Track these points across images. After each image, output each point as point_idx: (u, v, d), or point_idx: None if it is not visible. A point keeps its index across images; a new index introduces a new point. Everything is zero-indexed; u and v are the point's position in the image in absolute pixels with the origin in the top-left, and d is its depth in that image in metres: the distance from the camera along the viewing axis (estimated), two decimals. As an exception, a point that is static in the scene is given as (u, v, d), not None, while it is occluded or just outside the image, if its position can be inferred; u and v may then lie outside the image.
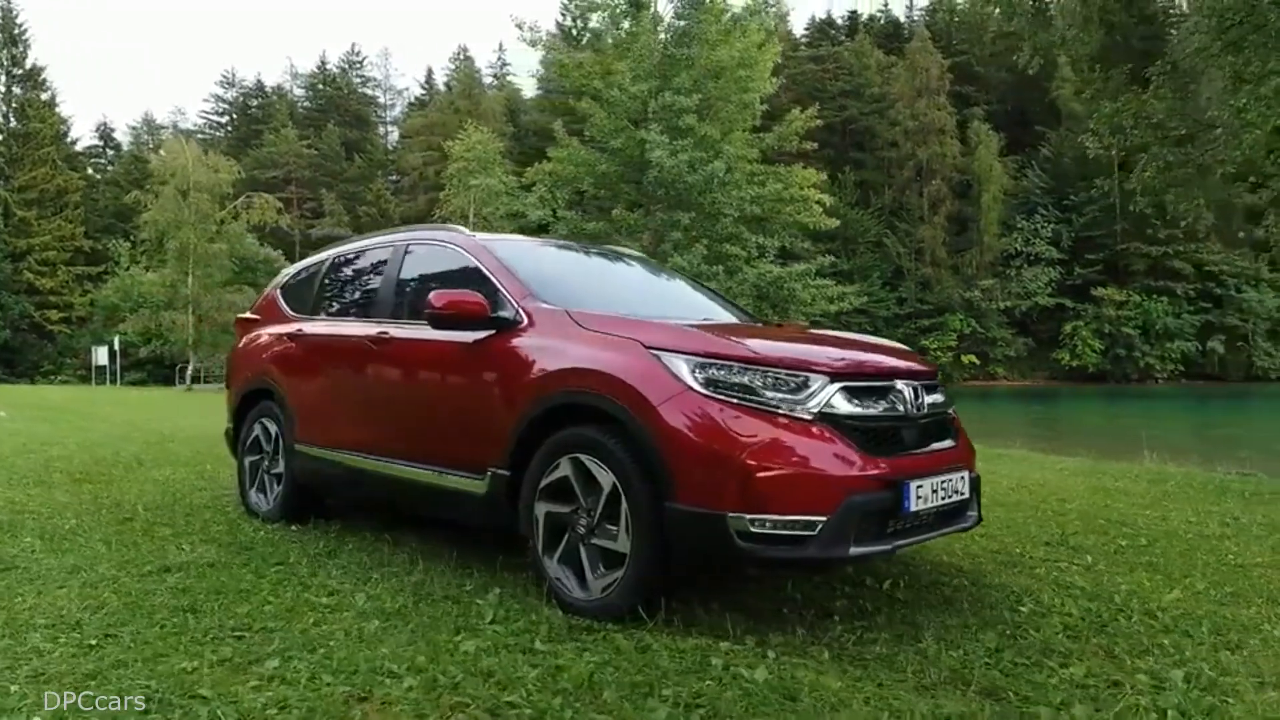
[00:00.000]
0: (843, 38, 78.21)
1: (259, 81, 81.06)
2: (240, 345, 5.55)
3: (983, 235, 60.28)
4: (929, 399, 3.46)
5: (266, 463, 5.05)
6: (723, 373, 3.07)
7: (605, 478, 3.16)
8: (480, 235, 4.36)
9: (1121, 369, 55.96)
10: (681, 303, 4.58)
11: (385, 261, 4.61)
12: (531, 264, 4.11)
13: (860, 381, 3.22)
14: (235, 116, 78.93)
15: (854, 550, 2.97)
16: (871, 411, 3.19)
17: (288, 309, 5.27)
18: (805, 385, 3.08)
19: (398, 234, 4.80)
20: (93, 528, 4.60)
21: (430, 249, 4.45)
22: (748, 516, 2.87)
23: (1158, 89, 6.04)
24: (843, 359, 3.31)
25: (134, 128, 76.24)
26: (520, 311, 3.68)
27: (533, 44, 22.38)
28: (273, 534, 4.51)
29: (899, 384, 3.34)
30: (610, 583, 3.15)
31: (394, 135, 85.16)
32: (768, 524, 2.87)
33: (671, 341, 3.22)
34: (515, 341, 3.60)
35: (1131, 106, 6.36)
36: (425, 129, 72.14)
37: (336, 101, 79.46)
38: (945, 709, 2.35)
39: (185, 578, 3.64)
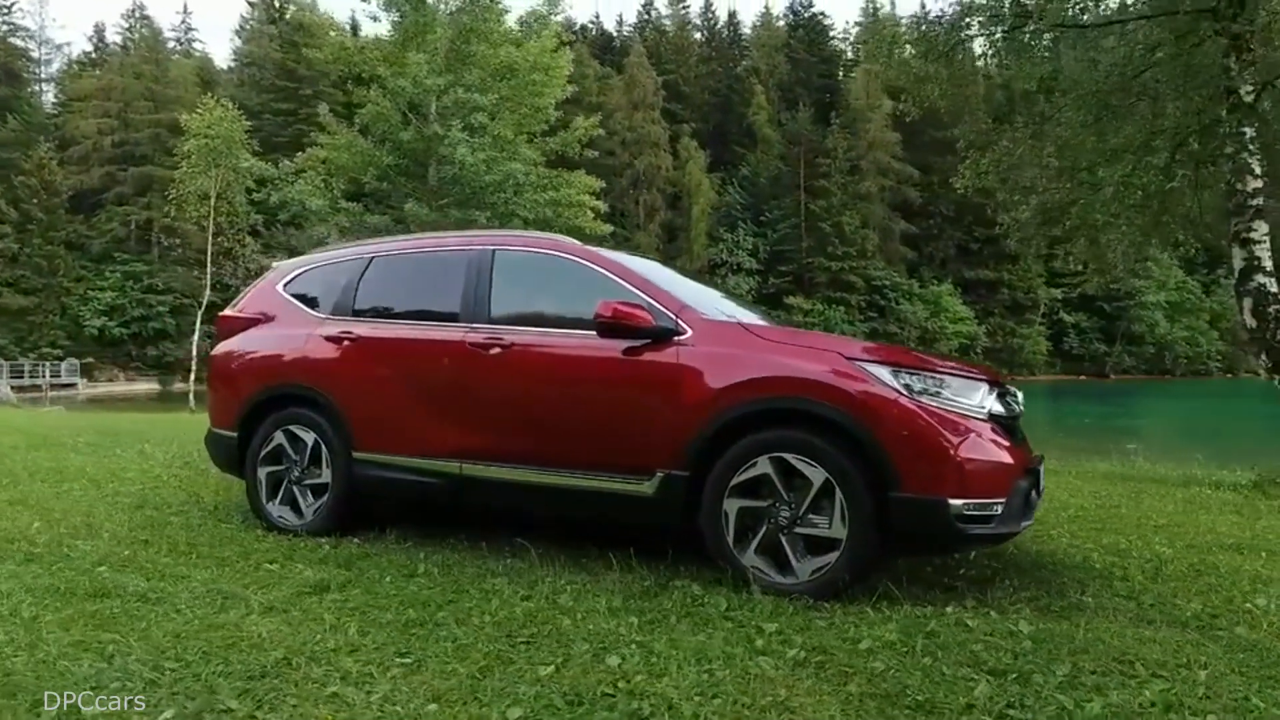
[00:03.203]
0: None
1: None
2: (235, 347, 5.08)
3: (693, 244, 65.02)
4: (1018, 401, 4.24)
5: (296, 473, 4.73)
6: (916, 380, 3.60)
7: (815, 474, 3.54)
8: (584, 245, 4.48)
9: (808, 370, 63.11)
10: (737, 304, 4.96)
11: (463, 266, 4.53)
12: (657, 275, 4.33)
13: (999, 387, 3.90)
14: None
15: (1021, 525, 3.66)
16: (1008, 412, 3.88)
17: (307, 309, 4.94)
18: (976, 390, 3.70)
19: (468, 238, 4.75)
20: (133, 553, 4.07)
21: (533, 256, 4.49)
22: (962, 501, 3.43)
23: (1019, 147, 7.49)
24: (983, 370, 3.97)
25: None
26: (679, 322, 3.92)
27: (301, 25, 20.88)
28: (345, 549, 4.29)
29: (1011, 388, 4.08)
30: (821, 566, 3.54)
31: (51, 95, 73.80)
32: (973, 506, 3.46)
33: (865, 353, 3.69)
34: (687, 351, 3.84)
35: (1000, 159, 7.79)
36: (100, 93, 63.44)
37: (-22, 50, 67.10)
38: (1182, 638, 3.07)
39: (360, 593, 3.48)
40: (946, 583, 3.85)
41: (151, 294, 53.47)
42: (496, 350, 4.22)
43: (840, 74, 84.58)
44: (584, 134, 21.38)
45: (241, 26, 77.40)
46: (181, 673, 2.53)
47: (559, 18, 21.26)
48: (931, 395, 3.58)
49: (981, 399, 3.69)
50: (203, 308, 23.59)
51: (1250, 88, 6.90)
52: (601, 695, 2.51)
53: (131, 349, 53.11)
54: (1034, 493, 3.84)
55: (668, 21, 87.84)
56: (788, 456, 3.60)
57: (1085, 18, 6.78)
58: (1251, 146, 6.71)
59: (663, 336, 3.89)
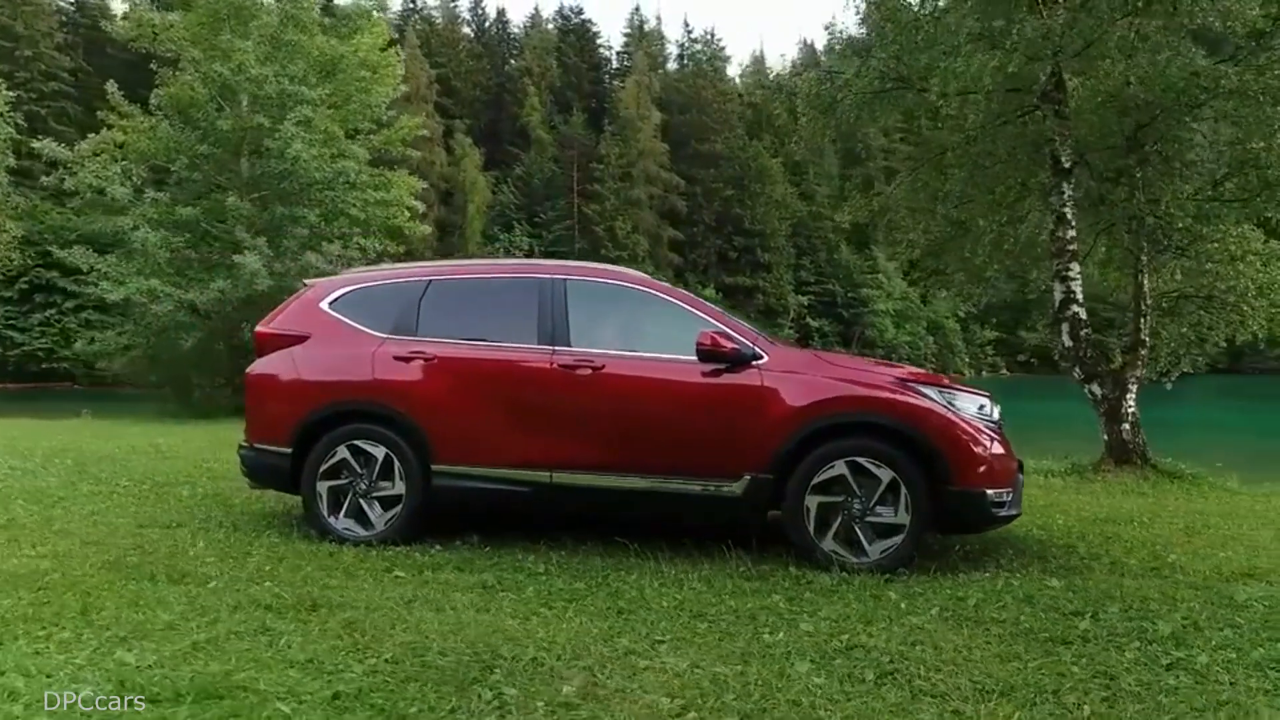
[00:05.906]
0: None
1: None
2: (283, 363, 5.15)
3: (468, 244, 64.46)
4: (988, 410, 5.39)
5: (363, 486, 4.93)
6: (950, 397, 4.61)
7: (884, 473, 4.45)
8: (652, 278, 5.11)
9: (582, 368, 64.86)
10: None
11: (534, 294, 4.98)
12: (716, 306, 5.04)
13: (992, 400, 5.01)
14: None
15: (1019, 509, 4.79)
16: (999, 420, 5.00)
17: (363, 328, 5.13)
18: (986, 404, 4.78)
19: (531, 266, 5.25)
20: (270, 569, 4.18)
21: (607, 287, 5.04)
22: (993, 490, 4.49)
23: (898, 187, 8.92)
24: (977, 389, 5.06)
25: None
26: (758, 349, 4.68)
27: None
28: (436, 556, 4.61)
29: (995, 403, 5.22)
30: (889, 547, 4.46)
31: None
32: (997, 495, 4.53)
33: (914, 376, 4.66)
34: (769, 373, 4.61)
35: (870, 202, 9.17)
36: None
37: None
38: (1153, 583, 4.26)
39: (532, 592, 3.92)
40: (956, 555, 4.90)
41: None
42: (586, 371, 4.74)
43: (608, 81, 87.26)
44: (408, 133, 21.14)
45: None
46: (522, 657, 2.96)
47: (382, 14, 20.80)
48: (961, 409, 4.60)
49: (989, 409, 4.77)
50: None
51: (1067, 156, 8.74)
52: (839, 650, 3.23)
53: None
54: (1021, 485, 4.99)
55: (436, 13, 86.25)
56: (862, 460, 4.47)
57: (950, 88, 8.25)
58: (1074, 202, 8.54)
59: (748, 361, 4.63)
